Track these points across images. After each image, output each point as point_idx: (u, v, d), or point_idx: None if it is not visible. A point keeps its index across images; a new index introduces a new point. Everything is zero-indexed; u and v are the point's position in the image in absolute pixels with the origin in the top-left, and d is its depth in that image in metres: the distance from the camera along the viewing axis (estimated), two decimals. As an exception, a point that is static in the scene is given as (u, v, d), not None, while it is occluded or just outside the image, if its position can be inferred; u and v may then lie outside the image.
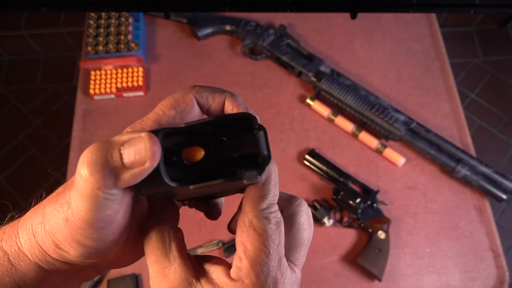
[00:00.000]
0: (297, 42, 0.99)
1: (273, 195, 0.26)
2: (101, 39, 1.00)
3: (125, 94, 0.98)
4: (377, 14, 1.07)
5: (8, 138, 1.83)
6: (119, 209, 0.24)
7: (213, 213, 0.33)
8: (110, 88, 0.97)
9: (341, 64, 1.01)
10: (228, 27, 1.02)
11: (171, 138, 0.25)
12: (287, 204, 0.28)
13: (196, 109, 0.27)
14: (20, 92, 1.92)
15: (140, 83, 0.98)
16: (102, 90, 0.97)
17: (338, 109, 0.94)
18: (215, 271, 0.25)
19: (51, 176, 1.74)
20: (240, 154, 0.25)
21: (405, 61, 1.02)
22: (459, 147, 0.90)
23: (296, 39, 0.99)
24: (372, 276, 0.82)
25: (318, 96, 0.95)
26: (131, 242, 0.28)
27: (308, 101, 0.95)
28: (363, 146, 0.93)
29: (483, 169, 0.87)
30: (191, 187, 0.23)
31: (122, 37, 1.00)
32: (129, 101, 0.99)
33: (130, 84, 0.98)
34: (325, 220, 0.85)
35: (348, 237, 0.86)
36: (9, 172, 1.77)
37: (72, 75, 1.93)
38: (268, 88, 0.99)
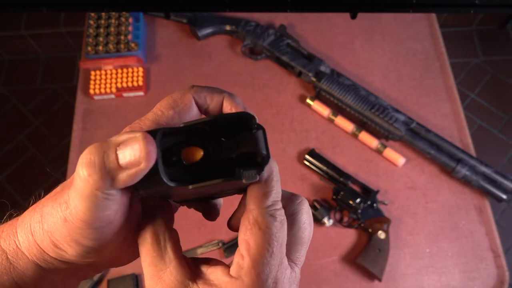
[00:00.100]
0: (297, 42, 0.99)
1: (276, 192, 0.25)
2: (101, 39, 1.00)
3: (125, 94, 0.98)
4: (377, 14, 1.07)
5: (8, 138, 1.83)
6: (117, 209, 0.24)
7: (211, 213, 0.33)
8: (110, 88, 0.97)
9: (341, 64, 1.01)
10: (228, 27, 1.02)
11: (170, 138, 0.25)
12: (288, 202, 0.28)
13: (195, 109, 0.27)
14: (20, 92, 1.92)
15: (140, 83, 0.98)
16: (102, 90, 0.97)
17: (338, 109, 0.94)
18: (213, 272, 0.25)
19: (51, 176, 1.74)
20: (239, 154, 0.25)
21: (405, 61, 1.02)
22: (459, 147, 0.90)
23: (296, 39, 0.99)
24: (372, 276, 0.82)
25: (318, 96, 0.95)
26: (129, 242, 0.28)
27: (308, 101, 0.95)
28: (363, 146, 0.93)
29: (483, 169, 0.87)
30: (190, 187, 0.23)
31: (122, 37, 1.00)
32: (129, 101, 0.99)
33: (130, 84, 0.98)
34: (325, 220, 0.84)
35: (348, 237, 0.86)
36: (9, 172, 1.77)
37: (72, 75, 1.93)
38: (268, 88, 0.99)
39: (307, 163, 0.90)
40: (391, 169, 0.91)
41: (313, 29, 1.06)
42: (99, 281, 0.82)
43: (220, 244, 0.84)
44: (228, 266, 0.25)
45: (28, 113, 1.88)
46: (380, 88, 0.99)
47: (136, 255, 0.29)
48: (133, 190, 0.24)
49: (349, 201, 0.85)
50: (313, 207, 0.86)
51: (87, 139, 0.95)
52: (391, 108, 0.91)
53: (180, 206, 0.33)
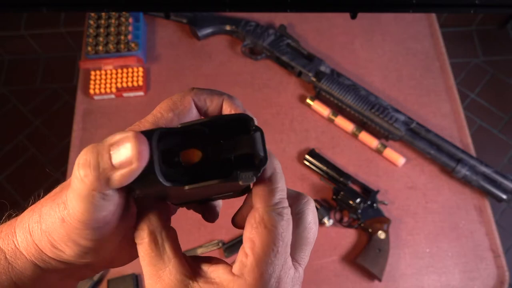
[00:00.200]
0: (297, 42, 0.99)
1: (282, 189, 0.25)
2: (101, 39, 1.00)
3: (125, 94, 0.98)
4: (377, 14, 1.07)
5: (8, 138, 1.83)
6: (114, 209, 0.24)
7: (210, 215, 0.32)
8: (110, 88, 0.97)
9: (341, 64, 1.01)
10: (228, 27, 1.02)
11: (169, 139, 0.24)
12: (294, 201, 0.27)
13: (194, 111, 0.27)
14: (20, 92, 1.92)
15: (140, 83, 0.98)
16: (102, 90, 0.97)
17: (338, 109, 0.94)
18: (214, 271, 0.25)
19: (51, 176, 1.74)
20: (237, 155, 0.25)
21: (405, 61, 1.02)
22: (459, 147, 0.90)
23: (296, 39, 0.99)
24: (372, 276, 0.82)
25: (318, 96, 0.95)
26: (127, 242, 0.27)
27: (308, 101, 0.95)
28: (363, 146, 0.93)
29: (483, 169, 0.87)
30: (186, 187, 0.23)
31: (122, 37, 1.00)
32: (129, 101, 0.99)
33: (130, 84, 0.98)
34: (325, 220, 0.85)
35: (348, 237, 0.86)
36: (9, 172, 1.77)
37: (72, 75, 1.93)
38: (268, 88, 0.99)
39: (307, 163, 0.90)
40: (391, 169, 0.91)
41: (313, 29, 1.06)
42: (99, 281, 0.82)
43: (220, 244, 0.84)
44: (230, 265, 0.25)
45: (28, 113, 1.88)
46: (380, 88, 0.99)
47: (134, 255, 0.29)
48: (129, 190, 0.24)
49: (349, 201, 0.85)
50: (313, 207, 0.86)
51: (87, 139, 0.95)
52: (391, 108, 0.91)
53: (178, 208, 0.33)
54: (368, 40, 1.05)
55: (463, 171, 0.86)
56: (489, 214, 0.88)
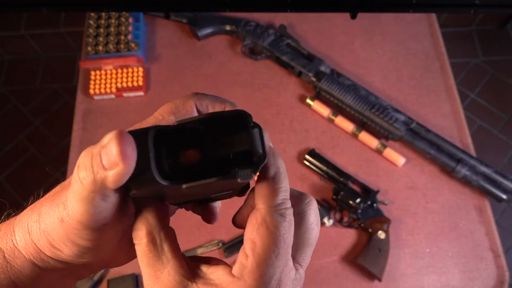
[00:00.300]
0: (297, 42, 0.99)
1: (285, 189, 0.25)
2: (101, 39, 1.00)
3: (125, 94, 0.98)
4: (377, 14, 1.07)
5: (8, 138, 1.83)
6: (113, 210, 0.24)
7: (210, 217, 0.32)
8: (110, 88, 0.97)
9: (341, 64, 1.01)
10: (228, 27, 1.02)
11: (167, 138, 0.24)
12: (296, 201, 0.27)
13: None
14: (20, 92, 1.92)
15: (140, 83, 0.98)
16: (102, 90, 0.97)
17: (338, 109, 0.94)
18: (214, 272, 0.25)
19: (51, 176, 1.74)
20: (236, 153, 0.24)
21: (405, 61, 1.02)
22: (459, 147, 0.90)
23: (296, 39, 0.99)
24: (372, 276, 0.82)
25: (318, 96, 0.95)
26: (125, 242, 0.27)
27: (308, 101, 0.95)
28: (363, 146, 0.93)
29: (483, 169, 0.87)
30: (184, 186, 0.23)
31: (122, 37, 1.00)
32: (129, 101, 0.99)
33: (130, 84, 0.98)
34: (325, 220, 0.85)
35: (348, 237, 0.86)
36: (9, 172, 1.77)
37: (72, 75, 1.93)
38: (268, 88, 0.99)
39: (307, 163, 0.90)
40: (391, 169, 0.91)
41: (313, 29, 1.06)
42: (99, 281, 0.82)
43: (220, 244, 0.84)
44: (229, 266, 0.25)
45: (28, 113, 1.88)
46: (380, 88, 0.99)
47: (133, 255, 0.29)
48: (127, 190, 0.24)
49: (349, 201, 0.85)
50: (313, 207, 0.86)
51: (87, 139, 0.95)
52: (391, 108, 0.91)
53: (177, 209, 0.33)
54: (368, 40, 1.05)
55: (463, 171, 0.86)
56: (489, 214, 0.88)
